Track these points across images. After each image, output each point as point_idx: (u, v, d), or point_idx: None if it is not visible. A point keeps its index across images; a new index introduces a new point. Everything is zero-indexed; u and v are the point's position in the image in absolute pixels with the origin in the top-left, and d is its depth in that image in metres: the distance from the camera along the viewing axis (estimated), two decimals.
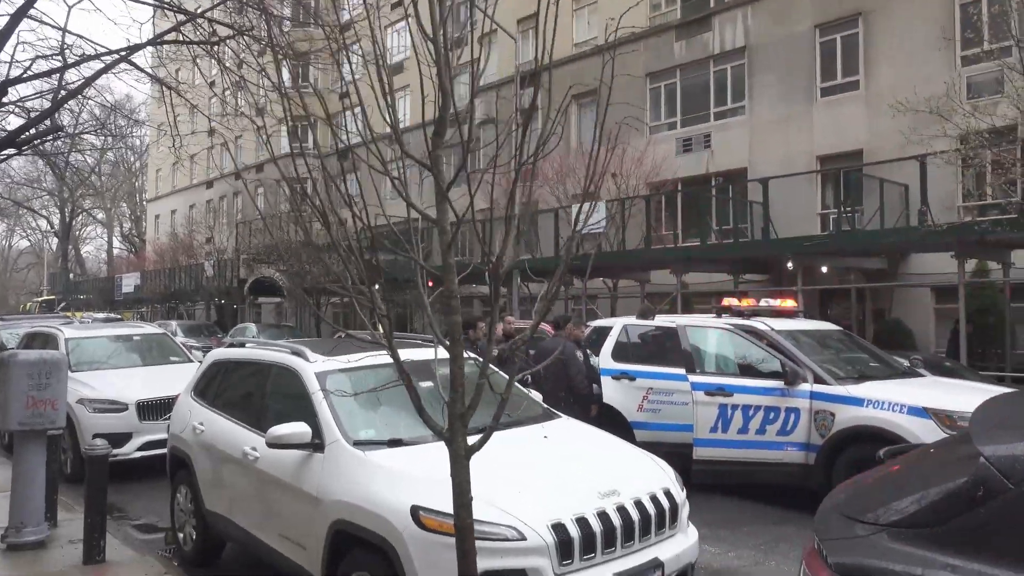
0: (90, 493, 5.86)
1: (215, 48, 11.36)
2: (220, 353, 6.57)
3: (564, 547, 3.86)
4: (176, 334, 23.18)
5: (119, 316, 34.80)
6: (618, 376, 7.80)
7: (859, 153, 17.41)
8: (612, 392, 7.66)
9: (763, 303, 8.46)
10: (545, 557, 3.82)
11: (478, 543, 3.40)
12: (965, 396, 6.78)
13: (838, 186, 18.16)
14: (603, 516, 4.04)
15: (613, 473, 4.50)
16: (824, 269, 16.29)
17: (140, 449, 9.02)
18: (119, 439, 8.80)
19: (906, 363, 8.32)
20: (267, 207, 36.17)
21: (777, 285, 18.20)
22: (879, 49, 17.33)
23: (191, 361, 11.25)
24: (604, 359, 7.89)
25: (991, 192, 13.66)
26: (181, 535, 6.30)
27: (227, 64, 11.82)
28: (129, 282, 40.75)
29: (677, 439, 7.47)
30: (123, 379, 9.81)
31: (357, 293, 3.44)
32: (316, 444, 4.71)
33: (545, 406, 5.71)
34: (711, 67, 20.57)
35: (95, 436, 8.85)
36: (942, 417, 6.41)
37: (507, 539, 3.82)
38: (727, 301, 8.47)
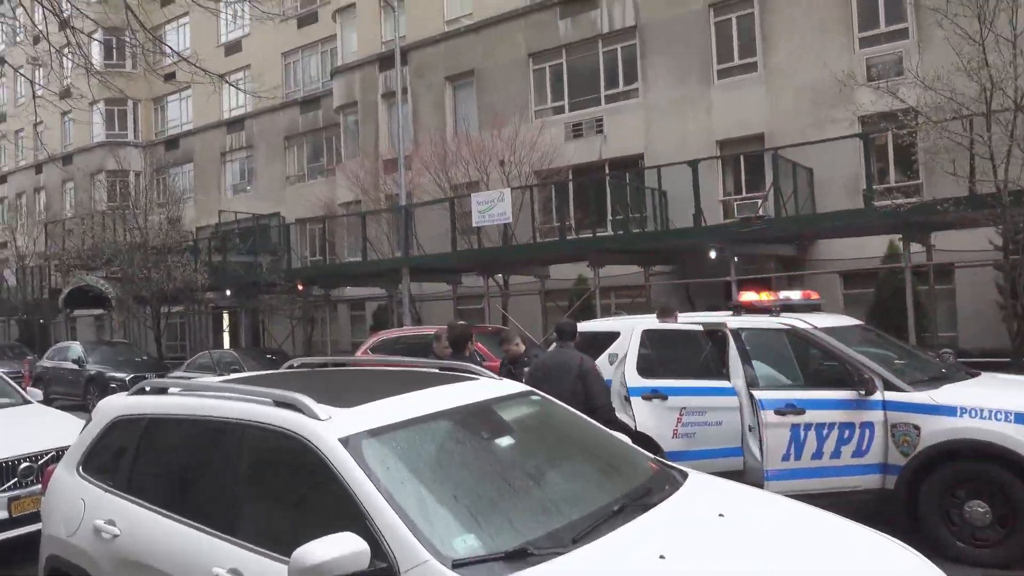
0: None
1: None
2: (126, 406, 4.27)
3: None
4: None
5: None
6: (648, 395, 6.25)
7: (760, 137, 17.02)
8: (643, 416, 6.10)
9: (781, 296, 7.23)
10: None
11: None
12: None
13: (738, 172, 17.75)
14: None
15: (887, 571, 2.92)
16: (735, 258, 15.70)
17: None
18: None
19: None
20: (79, 203, 31.34)
21: (681, 277, 17.50)
22: (776, 30, 17.01)
23: (27, 403, 8.39)
24: (629, 375, 6.31)
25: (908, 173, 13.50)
26: None
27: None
28: None
29: (719, 467, 6.03)
30: None
31: None
32: (382, 571, 2.73)
33: (653, 457, 4.02)
34: (600, 47, 19.54)
35: None
36: None
37: None
38: (746, 297, 7.14)
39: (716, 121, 17.68)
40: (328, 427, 3.22)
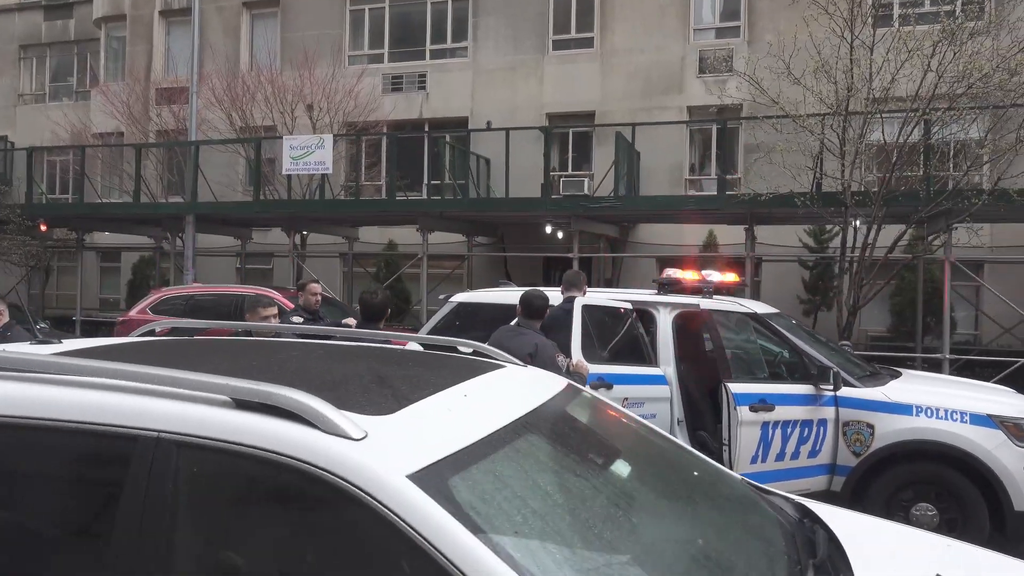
0: None
1: None
2: None
3: None
4: None
5: None
6: (595, 384, 5.18)
7: (590, 114, 16.65)
8: None
9: (705, 275, 6.54)
10: None
11: None
12: (1007, 399, 5.75)
13: (565, 147, 17.28)
14: None
15: None
16: (560, 234, 15.22)
17: None
18: None
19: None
20: None
21: (499, 250, 16.73)
22: (615, 8, 16.70)
23: None
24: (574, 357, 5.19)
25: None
26: None
27: None
28: None
29: None
30: None
31: None
32: None
33: (741, 477, 2.96)
34: None
35: None
36: (1009, 427, 5.23)
37: None
38: (669, 273, 6.39)
39: (548, 93, 17.04)
40: (374, 453, 1.76)
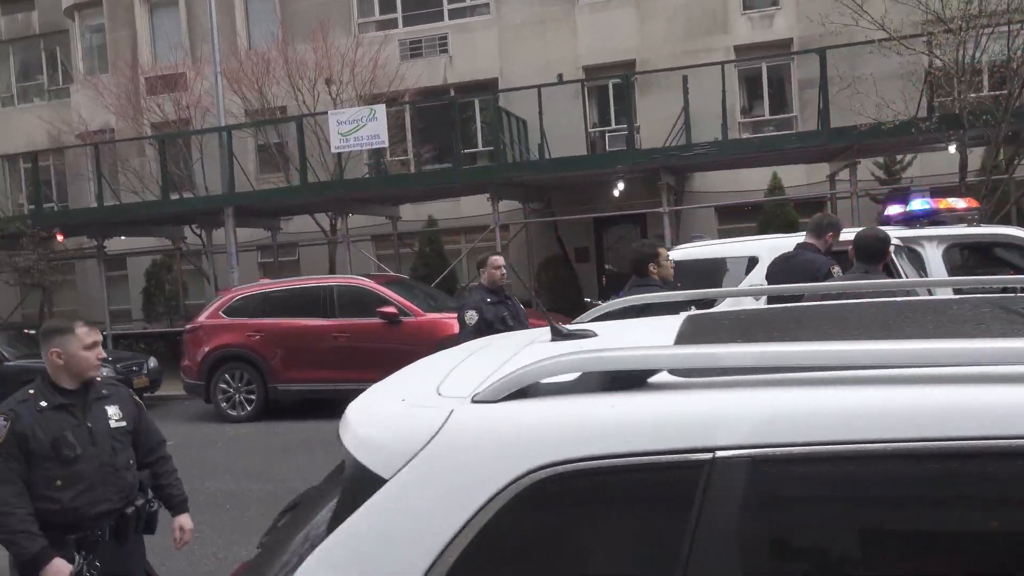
0: None
1: None
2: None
3: None
4: None
5: None
6: None
7: (631, 64, 15.87)
8: None
9: (952, 203, 6.04)
10: None
11: None
12: None
13: (605, 102, 16.49)
14: None
15: None
16: (617, 191, 14.53)
17: None
18: None
19: None
20: None
21: (548, 215, 15.97)
22: None
23: None
24: None
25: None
26: None
27: None
28: None
29: None
30: None
31: None
32: None
33: None
34: None
35: None
36: None
37: None
38: (948, 202, 5.85)
39: (582, 44, 16.20)
40: None
